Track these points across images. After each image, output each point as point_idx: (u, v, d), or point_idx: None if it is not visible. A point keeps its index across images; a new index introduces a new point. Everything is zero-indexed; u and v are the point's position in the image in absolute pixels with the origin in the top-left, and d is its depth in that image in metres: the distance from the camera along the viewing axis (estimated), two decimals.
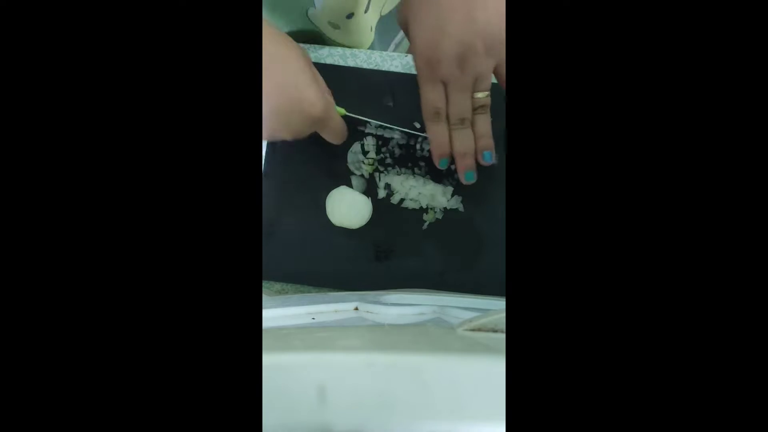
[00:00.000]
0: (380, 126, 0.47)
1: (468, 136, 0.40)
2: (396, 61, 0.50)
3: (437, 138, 0.40)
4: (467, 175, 0.41)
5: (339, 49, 0.51)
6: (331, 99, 0.41)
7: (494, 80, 0.40)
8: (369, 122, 0.46)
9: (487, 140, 0.40)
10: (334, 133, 0.42)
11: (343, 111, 0.44)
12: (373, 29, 0.58)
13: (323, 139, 0.43)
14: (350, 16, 0.51)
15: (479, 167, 0.42)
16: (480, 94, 0.39)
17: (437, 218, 0.46)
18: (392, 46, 0.65)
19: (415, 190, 0.46)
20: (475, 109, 0.39)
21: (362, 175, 0.47)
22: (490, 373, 0.16)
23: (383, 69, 0.50)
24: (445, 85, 0.38)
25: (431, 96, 0.39)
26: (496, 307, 0.30)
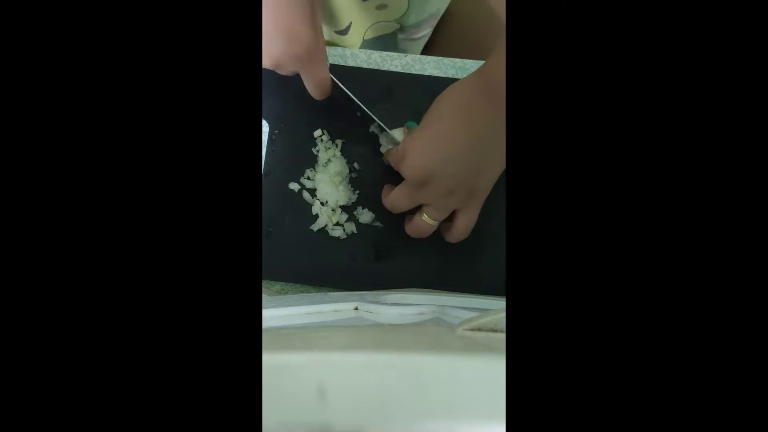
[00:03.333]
0: (362, 112, 0.46)
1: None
2: (396, 61, 0.51)
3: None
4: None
5: (339, 48, 0.51)
6: (322, 45, 0.39)
7: None
8: (352, 99, 0.45)
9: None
10: (313, 81, 0.40)
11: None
12: (356, 47, 0.59)
13: None
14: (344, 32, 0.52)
15: None
16: (426, 218, 0.41)
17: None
18: None
19: None
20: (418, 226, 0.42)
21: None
22: (490, 373, 0.16)
23: (383, 69, 0.50)
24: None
25: (402, 202, 0.41)
26: (496, 307, 0.30)
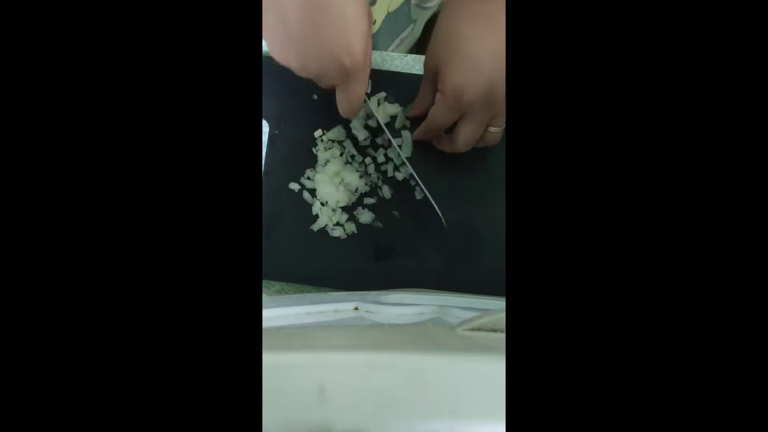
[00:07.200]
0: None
1: (465, 145, 0.43)
2: (396, 61, 0.50)
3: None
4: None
5: None
6: (369, 63, 0.39)
7: None
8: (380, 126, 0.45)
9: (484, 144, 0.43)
10: (349, 99, 0.39)
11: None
12: (377, 23, 0.58)
13: None
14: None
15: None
16: (494, 129, 0.41)
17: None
18: (397, 41, 0.66)
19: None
20: (485, 138, 0.42)
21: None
22: (490, 373, 0.16)
23: (383, 69, 0.50)
24: (462, 116, 0.40)
25: (443, 120, 0.41)
26: (496, 307, 0.30)
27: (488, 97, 0.38)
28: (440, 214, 0.44)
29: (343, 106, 0.40)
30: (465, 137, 0.41)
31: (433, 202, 0.45)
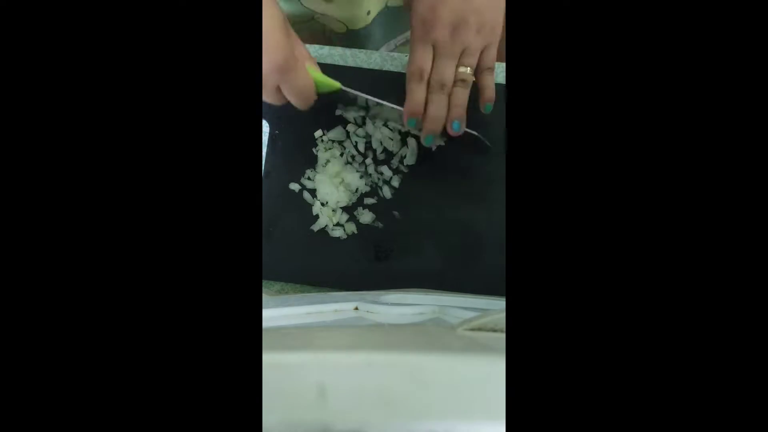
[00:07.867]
0: (368, 107, 0.46)
1: (443, 102, 0.42)
2: (396, 61, 0.51)
3: (414, 97, 0.42)
4: (427, 139, 0.44)
5: (339, 49, 0.51)
6: (303, 52, 0.39)
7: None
8: (359, 97, 0.45)
9: (460, 110, 0.42)
10: (296, 89, 0.39)
11: (338, 85, 0.43)
12: (371, 14, 0.57)
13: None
14: None
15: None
16: (464, 69, 0.41)
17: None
18: (401, 38, 0.65)
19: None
20: (456, 81, 0.42)
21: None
22: (490, 373, 0.16)
23: (384, 69, 0.50)
24: (433, 50, 0.40)
25: (420, 56, 0.41)
26: (496, 307, 0.30)
27: (456, 28, 0.39)
28: (480, 136, 0.45)
29: (293, 99, 0.40)
30: (439, 73, 0.41)
31: (470, 131, 0.44)
